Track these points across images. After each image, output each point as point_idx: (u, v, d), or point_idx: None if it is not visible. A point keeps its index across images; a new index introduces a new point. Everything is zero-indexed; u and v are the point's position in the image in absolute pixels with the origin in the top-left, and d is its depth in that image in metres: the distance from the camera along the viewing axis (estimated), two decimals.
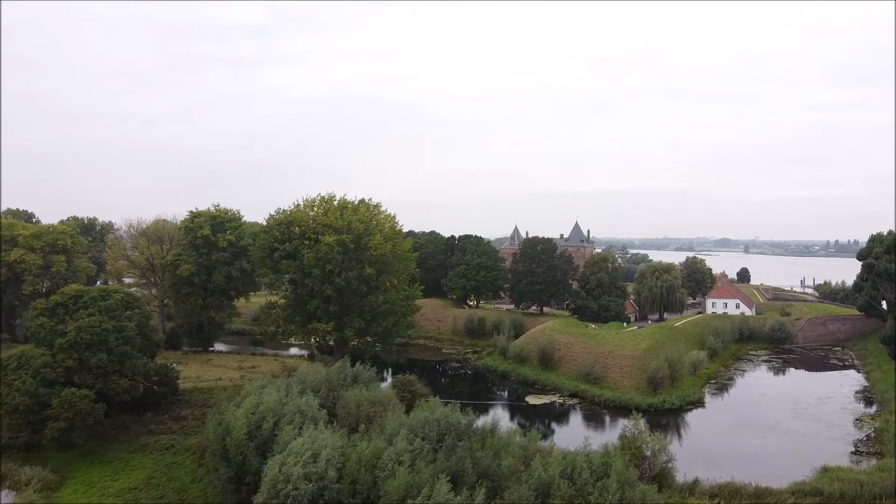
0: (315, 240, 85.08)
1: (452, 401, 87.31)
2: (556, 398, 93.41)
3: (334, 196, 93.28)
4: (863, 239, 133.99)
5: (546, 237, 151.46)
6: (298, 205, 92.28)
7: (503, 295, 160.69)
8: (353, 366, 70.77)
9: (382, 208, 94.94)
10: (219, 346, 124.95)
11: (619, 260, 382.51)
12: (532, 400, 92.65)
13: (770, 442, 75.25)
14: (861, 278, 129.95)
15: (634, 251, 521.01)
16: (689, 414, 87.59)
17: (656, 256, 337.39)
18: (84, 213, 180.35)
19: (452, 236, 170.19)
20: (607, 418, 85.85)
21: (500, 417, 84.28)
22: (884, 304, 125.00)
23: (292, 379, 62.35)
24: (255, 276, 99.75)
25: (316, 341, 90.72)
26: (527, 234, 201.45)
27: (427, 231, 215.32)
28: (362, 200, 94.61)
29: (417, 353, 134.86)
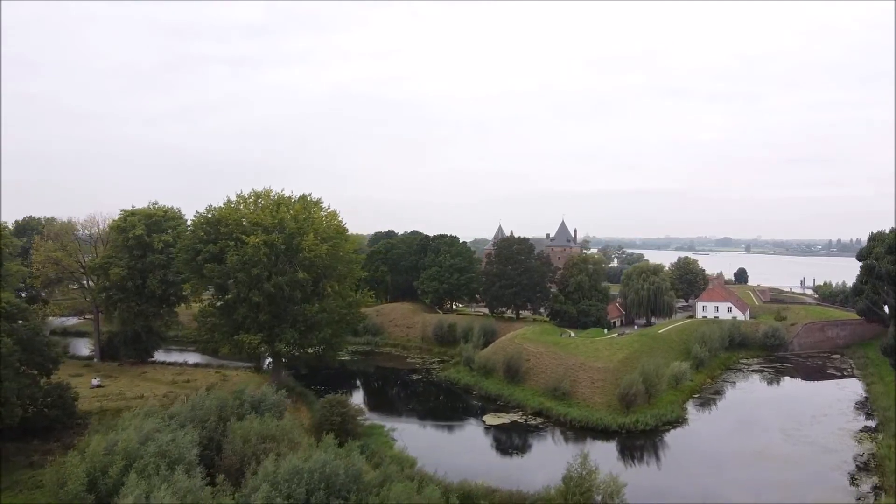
0: (242, 241, 75.27)
1: (389, 423, 78.22)
2: (517, 417, 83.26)
3: (270, 191, 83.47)
4: (865, 238, 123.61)
5: (523, 237, 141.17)
6: (230, 201, 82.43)
7: (479, 298, 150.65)
8: (301, 376, 61.11)
9: (324, 204, 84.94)
10: (174, 357, 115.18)
11: (616, 260, 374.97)
12: (490, 419, 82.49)
13: (756, 472, 65.31)
14: (861, 280, 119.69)
15: (635, 251, 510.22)
16: (668, 434, 77.60)
17: (655, 256, 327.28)
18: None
19: (426, 236, 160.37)
20: (570, 443, 75.60)
21: (442, 443, 74.25)
22: (885, 309, 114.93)
23: (184, 406, 52.56)
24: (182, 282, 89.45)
25: (247, 354, 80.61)
26: (511, 233, 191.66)
27: (409, 231, 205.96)
28: (302, 196, 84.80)
29: (383, 360, 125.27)
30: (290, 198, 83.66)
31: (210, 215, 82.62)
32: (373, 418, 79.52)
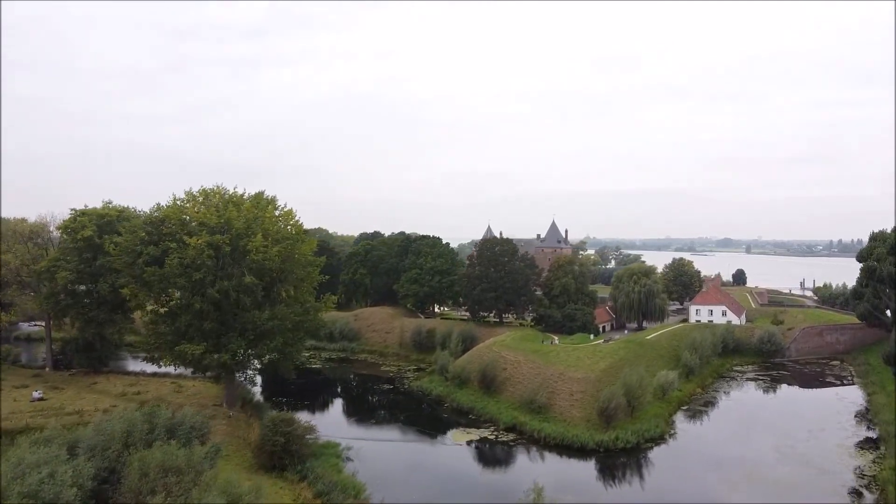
0: (184, 242, 68.86)
1: (346, 440, 70.82)
2: (488, 433, 76.59)
3: (221, 189, 76.96)
4: (867, 238, 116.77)
5: (507, 237, 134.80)
6: (176, 199, 75.93)
7: (462, 302, 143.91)
8: (266, 386, 54.42)
9: (280, 203, 78.49)
10: (140, 365, 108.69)
11: (613, 261, 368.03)
12: (457, 436, 75.91)
13: (744, 497, 58.89)
14: (861, 283, 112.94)
15: (635, 252, 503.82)
16: (650, 453, 71.01)
17: (655, 257, 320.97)
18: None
19: (408, 237, 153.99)
20: (543, 462, 69.10)
21: (401, 464, 66.80)
22: (888, 313, 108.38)
23: (87, 430, 46.20)
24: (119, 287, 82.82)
25: (193, 366, 73.90)
26: (500, 234, 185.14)
27: (398, 232, 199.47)
28: (257, 194, 78.40)
29: (358, 368, 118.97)
30: (242, 196, 77.27)
31: (156, 214, 76.56)
32: (330, 434, 72.90)
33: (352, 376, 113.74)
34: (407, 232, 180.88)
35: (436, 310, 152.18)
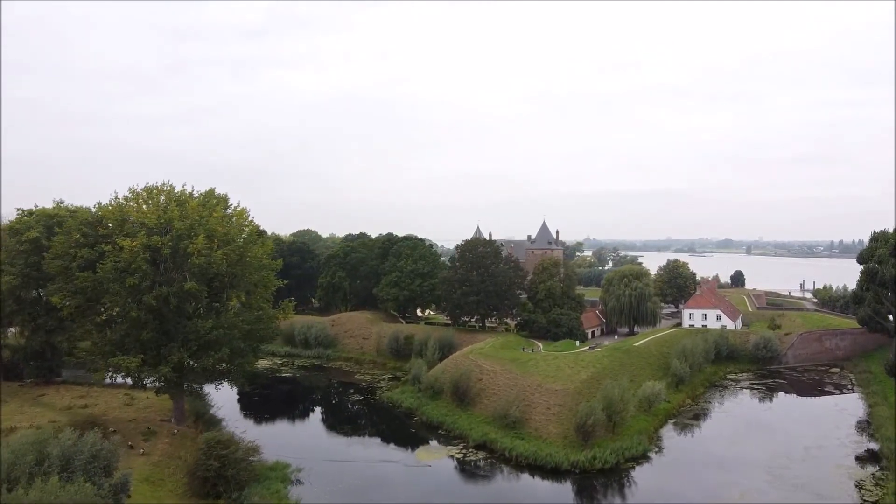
0: (117, 244, 62.85)
1: (299, 460, 64.11)
2: (457, 451, 70.40)
3: (167, 187, 70.81)
4: (867, 239, 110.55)
5: (493, 238, 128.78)
6: (117, 197, 69.85)
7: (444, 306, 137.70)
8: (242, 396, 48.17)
9: (231, 201, 72.51)
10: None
11: (610, 262, 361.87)
12: (422, 455, 69.76)
13: None
14: (861, 287, 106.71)
15: (634, 253, 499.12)
16: (630, 474, 64.85)
17: (655, 258, 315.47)
18: None
19: (389, 239, 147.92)
20: (512, 484, 62.95)
21: (355, 488, 59.20)
22: (890, 318, 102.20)
23: None
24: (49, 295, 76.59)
25: (126, 377, 67.92)
26: (490, 235, 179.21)
27: (386, 233, 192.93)
28: (208, 192, 72.36)
29: (331, 377, 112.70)
30: (190, 194, 71.22)
31: (97, 213, 70.64)
32: (284, 453, 66.95)
33: (324, 385, 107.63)
34: (408, 233, 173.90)
35: (419, 314, 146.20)
